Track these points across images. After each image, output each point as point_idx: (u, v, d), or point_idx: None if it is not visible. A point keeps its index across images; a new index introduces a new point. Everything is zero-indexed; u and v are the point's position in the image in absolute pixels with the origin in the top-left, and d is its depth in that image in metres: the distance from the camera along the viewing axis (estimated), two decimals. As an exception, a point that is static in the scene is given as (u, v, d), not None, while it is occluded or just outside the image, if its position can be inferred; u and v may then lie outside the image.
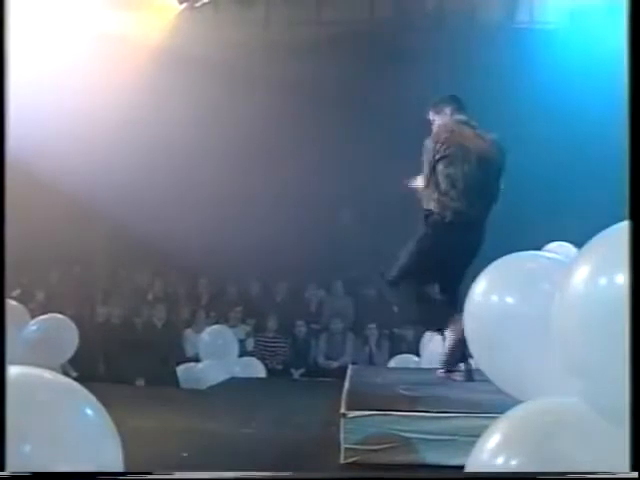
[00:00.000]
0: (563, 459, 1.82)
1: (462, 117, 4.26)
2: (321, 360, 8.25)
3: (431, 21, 9.33)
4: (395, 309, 8.56)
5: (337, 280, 9.11)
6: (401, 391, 3.67)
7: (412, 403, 3.28)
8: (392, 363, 7.19)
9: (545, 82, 8.31)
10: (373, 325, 8.26)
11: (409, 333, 7.96)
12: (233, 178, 9.00)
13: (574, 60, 8.70)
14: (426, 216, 4.18)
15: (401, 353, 7.50)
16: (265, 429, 4.08)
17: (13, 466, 1.57)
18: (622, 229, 1.67)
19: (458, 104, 4.32)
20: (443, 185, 4.07)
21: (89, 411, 1.69)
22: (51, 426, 1.64)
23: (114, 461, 1.67)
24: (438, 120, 4.32)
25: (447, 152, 4.06)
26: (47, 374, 1.84)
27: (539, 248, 5.70)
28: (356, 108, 8.95)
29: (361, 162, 8.86)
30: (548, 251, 5.67)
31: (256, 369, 7.53)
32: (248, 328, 8.59)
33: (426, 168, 4.14)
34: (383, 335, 8.30)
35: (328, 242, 9.04)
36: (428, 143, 4.16)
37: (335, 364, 8.06)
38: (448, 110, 4.28)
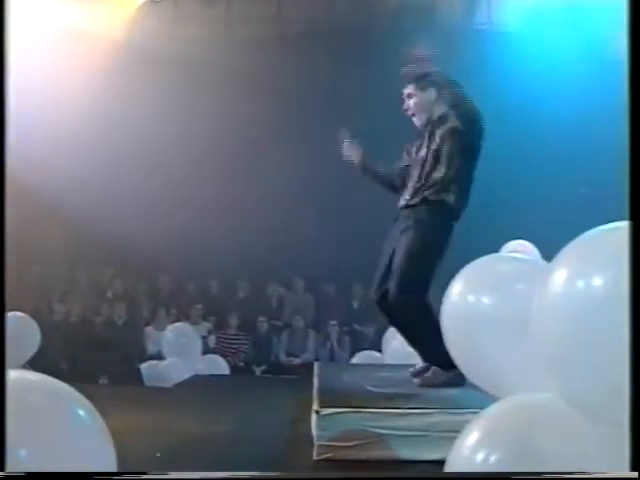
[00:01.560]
0: (541, 454, 1.90)
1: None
2: (283, 357, 8.30)
3: (390, 20, 9.42)
4: (355, 306, 8.67)
5: (298, 277, 9.16)
6: (370, 388, 3.73)
7: (382, 400, 3.34)
8: (355, 360, 7.27)
9: (502, 82, 8.46)
10: (334, 322, 8.33)
11: (370, 330, 8.06)
12: (193, 176, 8.97)
13: (530, 62, 8.89)
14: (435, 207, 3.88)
15: (362, 349, 7.57)
16: (235, 427, 4.11)
17: (8, 468, 1.58)
18: (604, 231, 1.75)
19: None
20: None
21: (82, 413, 1.70)
22: (45, 429, 1.65)
23: (108, 464, 1.69)
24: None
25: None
26: (35, 376, 1.85)
27: (499, 246, 5.85)
28: (319, 105, 9.00)
29: (325, 160, 8.91)
30: (508, 249, 5.82)
31: (219, 366, 7.54)
32: (209, 325, 8.59)
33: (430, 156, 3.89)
34: (343, 332, 8.39)
35: (290, 239, 9.07)
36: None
37: (297, 361, 8.12)
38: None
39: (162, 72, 8.80)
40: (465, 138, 3.81)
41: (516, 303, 2.13)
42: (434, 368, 3.75)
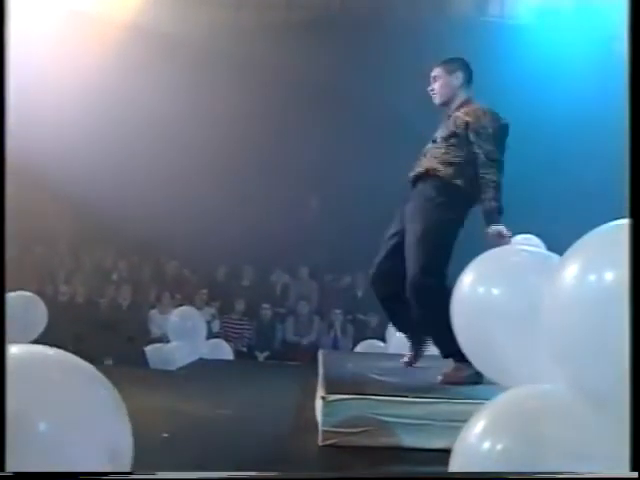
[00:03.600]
0: (546, 445, 1.93)
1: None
2: (288, 341, 8.36)
3: (402, 12, 9.41)
4: (359, 295, 8.69)
5: (302, 265, 9.20)
6: (374, 376, 3.77)
7: (387, 388, 3.38)
8: (358, 348, 7.32)
9: (513, 76, 8.46)
10: (338, 310, 8.38)
11: (373, 319, 8.10)
12: (200, 161, 8.99)
13: (541, 56, 8.89)
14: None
15: (365, 339, 7.62)
16: (240, 411, 4.15)
17: (27, 447, 1.61)
18: (616, 227, 1.78)
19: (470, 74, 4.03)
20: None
21: (101, 388, 1.74)
22: (63, 405, 1.69)
23: (125, 439, 1.72)
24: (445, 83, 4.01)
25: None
26: (53, 351, 1.88)
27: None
28: (326, 94, 9.01)
29: (331, 148, 8.94)
30: (515, 243, 5.85)
31: (223, 351, 7.59)
32: (213, 310, 8.63)
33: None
34: (347, 320, 8.44)
35: (295, 227, 9.10)
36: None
37: (301, 347, 8.17)
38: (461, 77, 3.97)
39: (170, 56, 8.80)
40: (485, 128, 3.80)
41: (527, 295, 2.16)
42: (456, 365, 3.58)
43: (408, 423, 3.11)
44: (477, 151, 3.77)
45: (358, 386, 3.48)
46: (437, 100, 4.02)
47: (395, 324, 4.41)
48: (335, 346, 8.11)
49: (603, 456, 1.89)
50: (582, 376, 1.90)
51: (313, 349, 7.14)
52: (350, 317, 8.55)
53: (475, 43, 8.48)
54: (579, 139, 8.15)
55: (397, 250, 3.93)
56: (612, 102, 5.85)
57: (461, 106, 3.92)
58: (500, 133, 3.84)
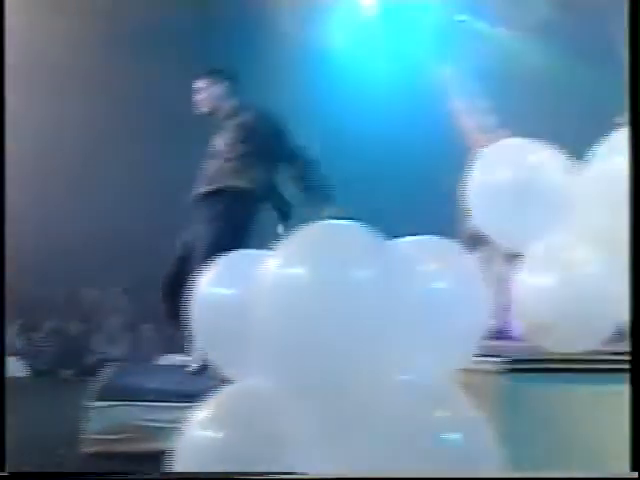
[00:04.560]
0: (260, 436, 2.07)
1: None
2: (91, 359, 8.18)
3: (217, 28, 9.50)
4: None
5: (112, 280, 9.05)
6: (151, 385, 3.81)
7: (152, 394, 3.45)
8: (163, 361, 7.29)
9: (321, 97, 8.73)
10: (147, 325, 8.34)
11: (181, 333, 8.09)
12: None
13: (350, 81, 9.21)
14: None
15: (172, 352, 7.61)
16: (19, 428, 4.04)
17: None
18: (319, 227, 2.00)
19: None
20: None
21: None
22: None
23: None
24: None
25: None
26: None
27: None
28: (130, 99, 8.83)
29: (139, 161, 8.85)
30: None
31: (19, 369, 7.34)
32: (15, 327, 8.30)
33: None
34: (155, 333, 8.40)
35: (104, 242, 8.92)
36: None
37: (105, 363, 8.01)
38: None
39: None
40: (258, 133, 3.96)
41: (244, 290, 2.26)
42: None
43: (166, 427, 3.18)
44: (254, 157, 3.94)
45: (126, 394, 3.51)
46: (203, 110, 4.12)
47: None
48: (141, 359, 8.03)
49: (311, 444, 2.05)
50: (289, 371, 2.07)
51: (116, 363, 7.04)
52: (157, 330, 8.51)
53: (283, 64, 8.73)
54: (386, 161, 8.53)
55: (185, 264, 3.96)
56: (418, 128, 6.17)
57: (231, 115, 4.05)
58: (275, 136, 4.00)
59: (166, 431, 3.21)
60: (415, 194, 4.91)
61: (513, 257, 2.92)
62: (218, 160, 4.06)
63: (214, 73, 4.15)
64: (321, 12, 6.63)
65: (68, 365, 8.13)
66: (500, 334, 2.96)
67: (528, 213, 2.77)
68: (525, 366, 2.50)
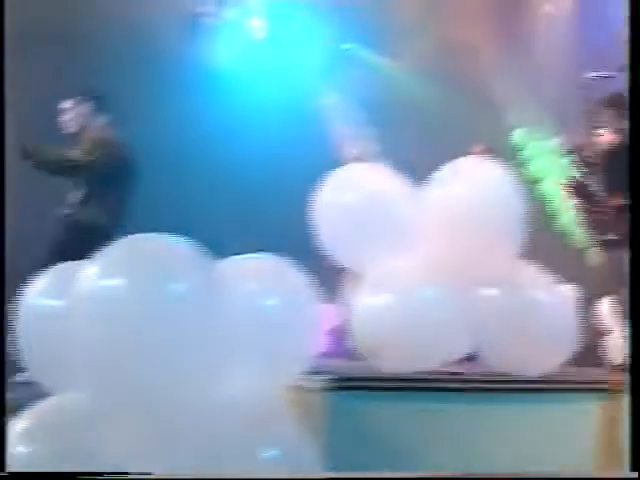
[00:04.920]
0: (71, 447, 2.02)
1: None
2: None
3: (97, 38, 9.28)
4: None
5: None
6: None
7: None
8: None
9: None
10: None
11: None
12: None
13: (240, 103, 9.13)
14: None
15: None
16: None
17: None
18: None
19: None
20: None
21: None
22: None
23: None
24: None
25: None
26: None
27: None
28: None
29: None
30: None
31: None
32: None
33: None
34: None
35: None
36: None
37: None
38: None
39: None
40: (102, 162, 3.94)
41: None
42: None
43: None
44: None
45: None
46: (69, 130, 4.10)
47: None
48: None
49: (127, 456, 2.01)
50: (103, 384, 2.03)
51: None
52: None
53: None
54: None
55: None
56: (293, 150, 6.15)
57: (92, 133, 4.04)
58: (121, 160, 4.02)
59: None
60: (275, 213, 4.95)
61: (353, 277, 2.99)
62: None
63: (81, 93, 4.14)
64: (206, 31, 6.58)
65: None
66: (334, 353, 3.02)
67: (370, 235, 2.88)
68: (354, 384, 2.55)
